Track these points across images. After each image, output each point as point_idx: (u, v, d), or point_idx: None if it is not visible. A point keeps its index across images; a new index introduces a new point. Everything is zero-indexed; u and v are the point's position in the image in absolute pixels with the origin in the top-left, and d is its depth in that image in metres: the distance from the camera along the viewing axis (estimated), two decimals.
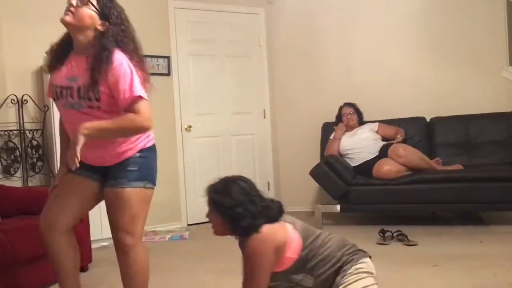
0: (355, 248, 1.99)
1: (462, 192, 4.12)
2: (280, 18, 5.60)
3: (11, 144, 4.03)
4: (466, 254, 3.35)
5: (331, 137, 4.89)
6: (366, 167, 4.48)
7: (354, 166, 4.58)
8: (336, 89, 5.32)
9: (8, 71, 4.10)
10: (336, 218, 4.84)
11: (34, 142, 4.12)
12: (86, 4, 2.04)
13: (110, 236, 2.19)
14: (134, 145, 2.13)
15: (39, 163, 4.13)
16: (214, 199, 1.93)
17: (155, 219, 4.65)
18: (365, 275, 1.91)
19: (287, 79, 5.59)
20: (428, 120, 4.93)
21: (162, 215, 4.76)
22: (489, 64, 4.88)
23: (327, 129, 5.07)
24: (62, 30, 2.17)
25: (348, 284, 1.87)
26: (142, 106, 2.00)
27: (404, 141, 4.71)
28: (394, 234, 3.87)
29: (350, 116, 4.90)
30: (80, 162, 2.17)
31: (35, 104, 4.16)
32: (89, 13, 2.04)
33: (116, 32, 2.05)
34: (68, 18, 2.03)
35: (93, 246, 3.61)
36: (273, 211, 1.93)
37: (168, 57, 4.95)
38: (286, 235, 1.90)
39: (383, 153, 4.50)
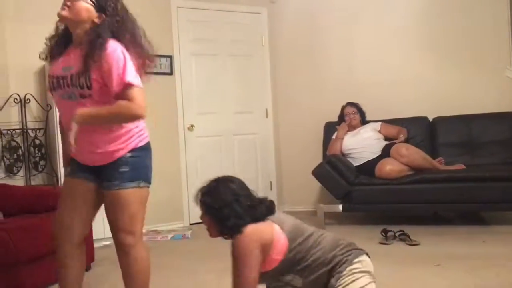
0: (349, 247, 1.96)
1: (465, 192, 4.12)
2: (283, 18, 5.60)
3: (14, 143, 4.03)
4: (469, 254, 3.35)
5: (334, 136, 4.88)
6: (369, 167, 4.48)
7: (356, 166, 4.58)
8: (338, 88, 5.31)
9: (11, 71, 4.12)
10: (338, 217, 4.84)
11: (37, 141, 4.12)
12: None
13: None
14: (125, 145, 2.10)
15: (41, 162, 4.14)
16: (203, 201, 1.96)
17: (158, 218, 4.67)
18: (360, 275, 1.89)
19: (289, 78, 5.58)
20: (430, 119, 4.92)
21: (164, 214, 4.77)
22: (492, 64, 4.86)
23: (330, 128, 5.06)
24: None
25: (343, 287, 1.86)
26: (135, 93, 1.99)
27: (406, 140, 4.70)
28: (397, 234, 3.87)
29: (352, 115, 4.89)
30: (75, 163, 2.18)
31: (38, 103, 4.17)
32: (86, 6, 2.05)
33: (111, 22, 2.06)
34: (65, 13, 2.04)
35: (96, 245, 3.62)
36: (260, 211, 1.94)
37: (170, 57, 4.95)
38: (272, 234, 1.89)
39: (385, 152, 4.49)
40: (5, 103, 4.03)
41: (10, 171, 4.01)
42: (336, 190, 4.49)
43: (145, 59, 2.14)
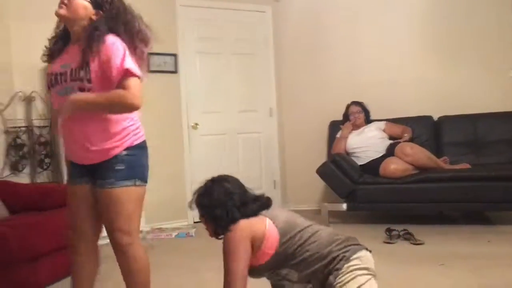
0: (347, 243, 1.92)
1: (469, 191, 4.11)
2: (287, 16, 5.59)
3: (19, 141, 4.05)
4: (473, 253, 3.34)
5: (338, 135, 4.88)
6: (373, 166, 4.47)
7: (360, 165, 4.57)
8: (343, 87, 5.31)
9: (16, 68, 4.13)
10: (343, 216, 4.84)
11: (42, 139, 4.14)
12: None
13: None
14: (120, 143, 2.08)
15: (46, 160, 4.16)
16: (198, 202, 1.97)
17: (162, 217, 4.68)
18: (359, 272, 1.85)
19: (293, 77, 5.58)
20: (435, 119, 4.91)
21: (168, 212, 4.78)
22: (497, 65, 4.85)
23: (334, 127, 5.06)
24: None
25: (342, 285, 1.83)
26: (132, 82, 1.97)
27: (411, 140, 4.69)
28: (401, 233, 3.86)
29: (357, 114, 4.88)
30: (72, 167, 2.17)
31: (43, 101, 4.19)
32: (83, 4, 2.06)
33: (109, 18, 2.06)
34: (62, 11, 2.05)
35: (99, 242, 3.61)
36: (251, 208, 1.94)
37: (175, 55, 4.95)
38: (264, 229, 1.89)
39: (390, 151, 4.49)
40: (11, 101, 4.05)
41: (15, 168, 4.03)
42: (340, 189, 4.48)
43: (143, 54, 2.11)
